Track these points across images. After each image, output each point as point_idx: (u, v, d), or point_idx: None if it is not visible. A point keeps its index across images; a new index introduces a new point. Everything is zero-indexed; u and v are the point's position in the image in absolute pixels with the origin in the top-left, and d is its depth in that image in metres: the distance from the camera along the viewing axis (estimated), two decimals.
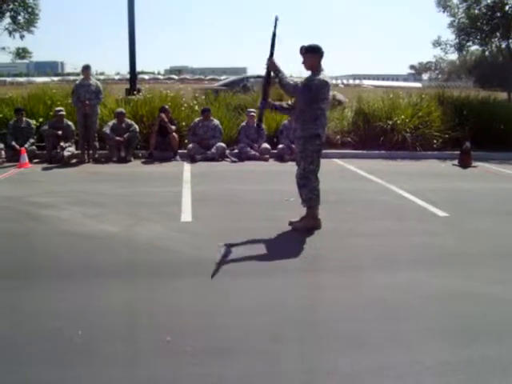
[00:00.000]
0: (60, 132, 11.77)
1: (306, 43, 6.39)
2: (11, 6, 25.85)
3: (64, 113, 12.08)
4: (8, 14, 26.12)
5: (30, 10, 26.16)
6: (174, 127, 12.34)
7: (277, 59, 6.31)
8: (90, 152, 12.08)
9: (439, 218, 7.39)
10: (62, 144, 11.76)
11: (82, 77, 12.28)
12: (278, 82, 6.63)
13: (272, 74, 6.39)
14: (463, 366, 3.51)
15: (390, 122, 13.80)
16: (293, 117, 6.72)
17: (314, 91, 6.21)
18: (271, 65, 6.33)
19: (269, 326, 4.04)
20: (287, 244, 6.07)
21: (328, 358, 3.60)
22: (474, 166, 12.21)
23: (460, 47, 21.90)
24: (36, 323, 4.04)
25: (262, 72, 6.60)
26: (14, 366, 3.44)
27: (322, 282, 5.04)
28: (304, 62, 6.39)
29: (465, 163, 12.27)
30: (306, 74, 6.52)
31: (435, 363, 3.51)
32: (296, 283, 4.96)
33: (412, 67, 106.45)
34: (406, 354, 3.65)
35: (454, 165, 12.43)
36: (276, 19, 6.24)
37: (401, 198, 8.64)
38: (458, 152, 12.65)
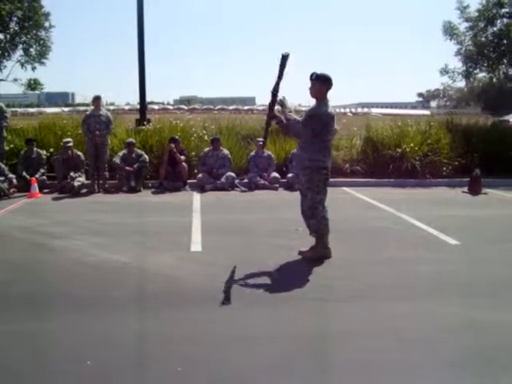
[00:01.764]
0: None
1: (319, 71, 6.39)
2: (24, 39, 26.29)
3: (71, 144, 12.12)
4: (20, 46, 26.56)
5: (41, 42, 26.59)
6: (183, 157, 12.41)
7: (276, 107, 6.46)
8: (100, 182, 12.17)
9: (450, 246, 7.34)
10: (72, 174, 11.83)
11: (92, 107, 12.43)
12: (281, 129, 6.74)
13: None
14: None
15: (399, 150, 13.81)
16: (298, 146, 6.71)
17: (321, 124, 6.24)
18: (271, 114, 6.43)
19: (278, 355, 4.00)
20: (297, 273, 6.04)
21: None
22: (484, 193, 12.17)
23: (467, 75, 21.95)
24: (45, 353, 4.04)
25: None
26: None
27: (332, 312, 5.00)
28: (311, 89, 6.41)
29: (475, 190, 12.23)
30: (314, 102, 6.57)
31: None
32: (306, 313, 4.93)
33: (420, 95, 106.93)
34: None
35: (463, 192, 12.39)
36: (285, 56, 6.18)
37: (411, 226, 8.60)
38: (468, 179, 12.63)
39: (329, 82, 6.42)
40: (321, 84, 6.37)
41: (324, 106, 6.32)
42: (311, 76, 6.35)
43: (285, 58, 6.18)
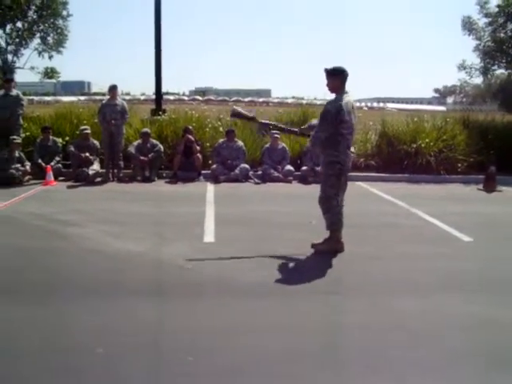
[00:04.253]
0: (87, 154, 11.93)
1: (330, 66, 6.42)
2: (41, 27, 26.44)
3: (89, 131, 12.25)
4: (38, 34, 26.72)
5: (59, 30, 26.73)
6: (198, 147, 12.42)
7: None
8: (115, 171, 12.22)
9: (463, 243, 7.31)
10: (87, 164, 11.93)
11: (108, 96, 12.48)
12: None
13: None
14: None
15: (414, 146, 13.70)
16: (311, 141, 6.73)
17: (330, 118, 6.23)
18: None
19: (289, 347, 4.02)
20: (309, 266, 6.05)
21: (346, 382, 3.57)
22: (499, 191, 12.07)
23: (485, 71, 21.77)
24: (57, 339, 4.08)
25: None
26: (35, 378, 3.48)
27: (343, 306, 5.01)
28: (327, 85, 6.44)
29: (489, 187, 12.12)
30: (330, 96, 6.55)
31: None
32: (317, 306, 4.94)
33: (436, 91, 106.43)
34: (427, 381, 3.60)
35: (478, 189, 12.29)
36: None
37: (424, 221, 8.57)
38: (483, 176, 12.53)
39: (342, 75, 6.41)
40: (333, 77, 6.39)
41: (339, 99, 6.29)
42: (325, 72, 6.39)
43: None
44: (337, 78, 6.39)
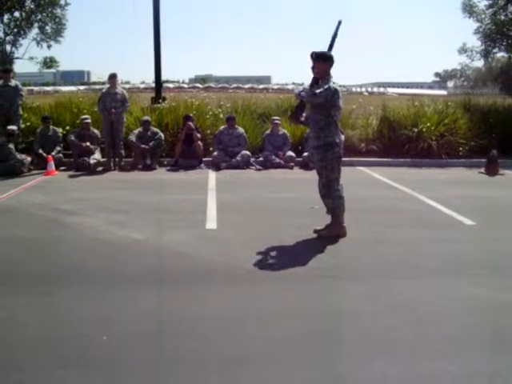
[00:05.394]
0: (88, 143, 11.89)
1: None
2: (39, 17, 26.34)
3: (90, 121, 12.21)
4: (36, 24, 26.63)
5: (57, 20, 26.64)
6: (199, 135, 12.40)
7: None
8: (116, 160, 12.19)
9: (466, 227, 7.30)
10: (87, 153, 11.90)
11: (108, 85, 12.44)
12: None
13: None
14: (491, 377, 3.46)
15: (416, 130, 13.65)
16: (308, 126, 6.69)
17: (324, 99, 6.19)
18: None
19: (292, 333, 4.02)
20: (312, 251, 6.03)
21: (351, 366, 3.58)
22: (501, 174, 12.04)
23: (486, 54, 21.71)
24: (61, 328, 4.08)
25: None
26: (38, 368, 3.48)
27: (347, 290, 5.01)
28: (313, 68, 6.38)
29: (491, 171, 12.10)
30: None
31: (463, 373, 3.46)
32: (320, 291, 4.94)
33: (437, 75, 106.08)
34: (433, 364, 3.59)
35: (480, 173, 12.27)
36: (339, 23, 6.38)
37: (427, 206, 8.56)
38: (485, 160, 12.49)
39: (329, 60, 6.37)
40: (322, 63, 6.33)
41: (327, 83, 6.27)
42: (311, 56, 6.33)
43: (339, 24, 6.38)
44: (325, 63, 6.34)
